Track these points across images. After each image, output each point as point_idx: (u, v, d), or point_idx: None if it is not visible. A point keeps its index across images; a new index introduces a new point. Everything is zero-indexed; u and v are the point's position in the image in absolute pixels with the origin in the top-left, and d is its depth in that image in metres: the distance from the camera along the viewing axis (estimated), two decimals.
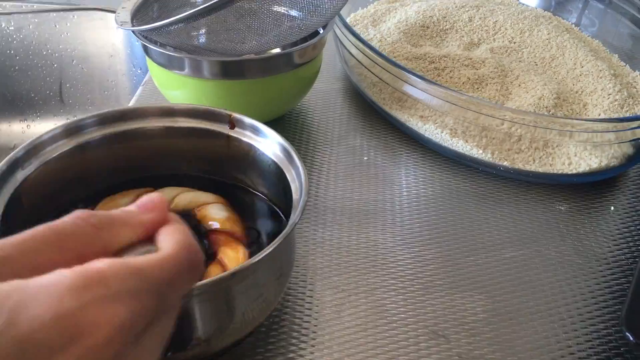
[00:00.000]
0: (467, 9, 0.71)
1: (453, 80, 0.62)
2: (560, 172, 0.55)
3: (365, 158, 0.58)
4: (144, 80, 0.68)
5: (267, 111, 0.58)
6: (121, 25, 0.53)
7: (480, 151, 0.55)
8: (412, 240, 0.49)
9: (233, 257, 0.39)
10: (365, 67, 0.61)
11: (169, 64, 0.54)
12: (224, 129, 0.45)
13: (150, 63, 0.57)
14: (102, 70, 0.94)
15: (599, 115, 0.58)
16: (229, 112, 0.45)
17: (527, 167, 0.55)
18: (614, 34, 0.72)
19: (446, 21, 0.70)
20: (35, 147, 0.41)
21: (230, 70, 0.53)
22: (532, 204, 0.54)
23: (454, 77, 0.62)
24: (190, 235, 0.25)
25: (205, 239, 0.40)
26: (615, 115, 0.58)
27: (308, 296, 0.43)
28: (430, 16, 0.70)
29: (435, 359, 0.39)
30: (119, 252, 0.25)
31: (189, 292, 0.32)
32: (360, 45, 0.59)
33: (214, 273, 0.37)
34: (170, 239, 0.25)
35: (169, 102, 0.59)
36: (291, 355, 0.39)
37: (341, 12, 0.58)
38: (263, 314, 0.39)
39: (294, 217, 0.37)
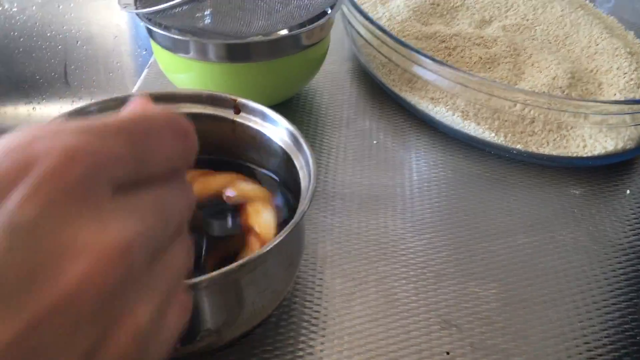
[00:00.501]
0: None
1: (464, 60, 0.60)
2: (574, 155, 0.53)
3: (374, 142, 0.56)
4: (149, 62, 0.67)
5: (275, 94, 0.57)
6: (124, 7, 0.52)
7: (493, 134, 0.54)
8: (422, 226, 0.48)
9: (265, 224, 0.38)
10: (374, 47, 0.59)
11: (173, 47, 0.53)
12: (229, 114, 0.44)
13: (154, 46, 0.56)
14: (107, 52, 0.93)
15: (615, 95, 0.56)
16: (234, 97, 0.44)
17: (541, 150, 0.53)
18: (630, 11, 0.70)
19: None
20: None
21: (237, 53, 0.52)
22: (545, 188, 0.52)
23: (465, 56, 0.60)
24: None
25: (237, 214, 0.40)
26: (632, 95, 0.56)
27: (317, 285, 0.42)
28: None
29: (448, 349, 0.39)
30: None
31: (198, 284, 0.31)
32: (369, 24, 0.58)
33: (252, 243, 0.38)
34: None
35: (173, 88, 0.58)
36: (301, 345, 0.39)
37: None
38: (273, 304, 0.38)
39: (303, 205, 0.36)
